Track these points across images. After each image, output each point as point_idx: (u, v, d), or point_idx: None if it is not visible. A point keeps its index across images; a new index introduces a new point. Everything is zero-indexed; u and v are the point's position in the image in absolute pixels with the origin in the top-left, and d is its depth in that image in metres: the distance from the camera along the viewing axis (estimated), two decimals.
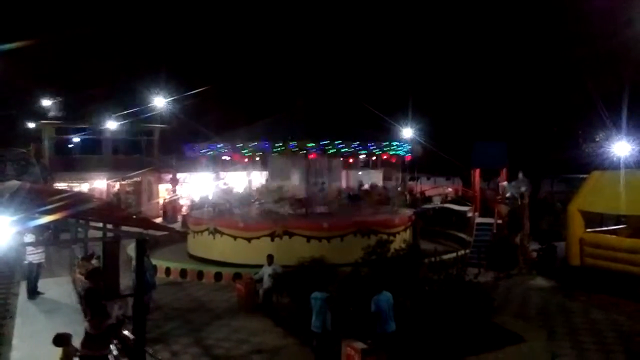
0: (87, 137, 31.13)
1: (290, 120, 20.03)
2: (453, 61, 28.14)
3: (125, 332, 8.44)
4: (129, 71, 30.73)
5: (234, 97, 35.21)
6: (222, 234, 18.03)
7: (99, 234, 11.06)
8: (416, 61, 29.79)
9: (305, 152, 17.77)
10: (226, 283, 15.67)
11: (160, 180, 33.34)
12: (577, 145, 26.37)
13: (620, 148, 22.44)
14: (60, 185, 27.96)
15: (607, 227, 16.82)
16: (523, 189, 19.51)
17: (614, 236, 15.11)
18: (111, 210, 10.38)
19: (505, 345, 10.48)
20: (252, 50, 34.99)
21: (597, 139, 25.30)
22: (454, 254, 16.69)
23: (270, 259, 13.32)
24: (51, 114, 30.96)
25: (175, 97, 29.98)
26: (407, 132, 28.67)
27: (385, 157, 20.39)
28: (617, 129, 22.92)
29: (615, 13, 21.64)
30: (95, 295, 7.44)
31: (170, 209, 30.87)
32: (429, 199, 30.12)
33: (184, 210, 29.46)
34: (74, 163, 31.06)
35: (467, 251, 18.27)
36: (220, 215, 19.48)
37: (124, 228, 7.96)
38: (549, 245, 17.24)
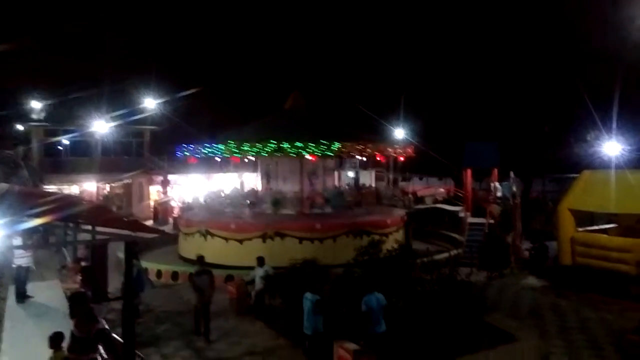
0: (76, 139, 30.90)
1: (284, 121, 20.05)
2: (444, 62, 28.21)
3: (115, 336, 8.35)
4: (118, 72, 30.51)
5: (226, 99, 35.07)
6: (213, 235, 17.93)
7: (89, 236, 10.97)
8: (407, 62, 29.84)
9: (300, 153, 17.71)
10: (218, 285, 15.52)
11: (151, 182, 33.17)
12: (568, 145, 26.49)
13: (610, 148, 22.62)
14: (50, 188, 27.71)
15: (597, 226, 16.93)
16: (514, 188, 19.61)
17: (604, 235, 15.21)
18: (100, 213, 10.27)
19: (498, 345, 10.45)
20: (245, 50, 34.90)
21: (588, 139, 25.45)
22: (447, 254, 16.78)
23: (260, 260, 13.24)
24: (40, 115, 30.70)
25: (166, 99, 29.82)
26: (400, 133, 28.70)
27: (378, 157, 20.40)
28: (608, 129, 23.08)
29: (606, 13, 21.80)
30: (82, 298, 7.36)
31: (162, 211, 30.67)
32: (421, 200, 30.16)
33: (175, 212, 29.29)
34: (63, 165, 30.83)
35: (460, 251, 18.32)
36: (211, 217, 19.38)
37: (113, 231, 7.88)
38: (540, 244, 17.30)
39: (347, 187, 25.54)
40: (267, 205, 19.28)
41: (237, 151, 18.35)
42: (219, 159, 20.67)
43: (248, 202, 20.05)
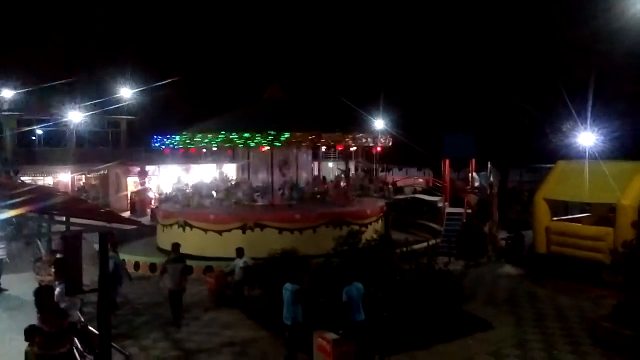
0: (50, 129, 30.21)
1: (250, 112, 20.19)
2: (423, 54, 28.28)
3: (91, 328, 8.24)
4: (94, 61, 29.88)
5: (205, 88, 34.62)
6: (192, 227, 17.78)
7: (64, 228, 10.76)
8: (386, 54, 29.85)
9: (247, 144, 17.94)
10: (197, 277, 15.43)
11: (128, 173, 32.67)
12: (544, 135, 26.86)
13: (585, 139, 23.00)
14: (24, 179, 27.10)
15: (572, 215, 17.25)
16: (492, 179, 19.85)
17: (579, 224, 15.48)
18: (75, 204, 10.08)
19: (475, 332, 10.66)
20: (224, 39, 34.45)
21: (564, 130, 25.83)
22: (425, 244, 16.97)
23: (239, 252, 13.21)
24: (12, 105, 29.87)
25: (144, 88, 29.29)
26: (379, 124, 28.74)
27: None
28: (583, 120, 23.45)
29: (580, 4, 22.07)
30: (48, 293, 7.11)
31: (139, 202, 30.28)
32: (400, 190, 30.34)
33: (153, 203, 28.94)
34: (37, 156, 30.14)
35: (438, 241, 18.49)
36: (190, 208, 19.21)
37: (88, 222, 7.73)
38: (517, 234, 17.57)
39: (336, 178, 25.36)
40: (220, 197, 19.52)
41: (190, 142, 18.66)
42: (204, 150, 20.61)
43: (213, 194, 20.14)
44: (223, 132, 17.93)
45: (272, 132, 17.20)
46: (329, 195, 20.05)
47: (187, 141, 18.83)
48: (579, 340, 10.29)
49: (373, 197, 21.54)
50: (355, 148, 20.96)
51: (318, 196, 20.18)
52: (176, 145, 19.34)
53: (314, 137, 17.84)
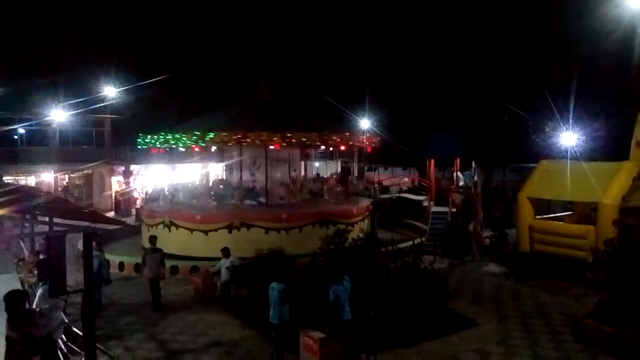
0: (33, 127, 29.76)
1: (243, 111, 20.02)
2: (408, 54, 28.44)
3: (75, 329, 8.16)
4: (77, 58, 29.45)
5: (191, 87, 34.35)
6: (177, 226, 17.68)
7: (47, 228, 10.64)
8: (372, 53, 29.95)
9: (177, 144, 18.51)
10: (183, 277, 15.40)
11: (112, 173, 32.36)
12: (527, 135, 27.18)
13: (567, 138, 23.33)
14: (6, 179, 26.69)
15: (555, 213, 17.47)
16: (476, 178, 20.05)
17: (561, 222, 15.70)
18: (58, 204, 9.97)
19: (459, 330, 10.76)
20: (210, 38, 34.23)
21: (546, 130, 26.16)
22: (410, 243, 17.11)
23: (225, 252, 13.19)
24: None
25: (128, 87, 28.98)
26: (365, 123, 28.79)
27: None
28: (565, 120, 23.78)
29: (564, 6, 22.37)
30: (18, 297, 6.81)
31: (124, 202, 30.01)
32: (386, 189, 30.47)
33: (138, 203, 28.70)
34: (19, 155, 29.71)
35: (423, 239, 18.63)
36: (175, 208, 19.08)
37: (72, 222, 7.65)
38: (500, 232, 17.74)
39: (333, 176, 25.13)
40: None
41: (143, 143, 19.93)
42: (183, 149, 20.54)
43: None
44: (162, 133, 18.83)
45: (197, 132, 17.63)
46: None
47: (141, 142, 20.01)
48: (561, 337, 10.45)
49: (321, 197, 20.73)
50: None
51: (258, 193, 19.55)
52: (140, 146, 20.47)
53: (239, 136, 17.40)
